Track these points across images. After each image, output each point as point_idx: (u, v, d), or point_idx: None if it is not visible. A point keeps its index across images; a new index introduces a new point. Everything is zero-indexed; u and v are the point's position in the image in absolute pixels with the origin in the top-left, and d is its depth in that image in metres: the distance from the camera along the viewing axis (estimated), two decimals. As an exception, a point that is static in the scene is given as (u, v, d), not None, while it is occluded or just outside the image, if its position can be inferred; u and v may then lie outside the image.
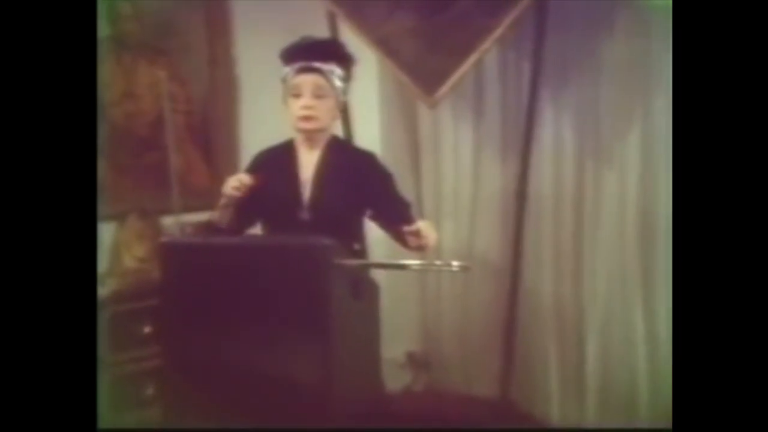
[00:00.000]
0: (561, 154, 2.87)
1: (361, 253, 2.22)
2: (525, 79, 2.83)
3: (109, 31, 2.86)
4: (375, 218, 2.25)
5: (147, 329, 2.61)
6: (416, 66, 2.63)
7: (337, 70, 2.16)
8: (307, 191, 2.17)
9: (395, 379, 3.02)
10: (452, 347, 3.22)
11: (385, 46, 2.65)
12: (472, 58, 2.56)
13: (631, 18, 2.60)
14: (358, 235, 2.24)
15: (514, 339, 2.95)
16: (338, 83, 2.17)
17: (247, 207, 2.14)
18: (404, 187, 2.45)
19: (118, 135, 2.87)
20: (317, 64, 2.13)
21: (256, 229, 2.28)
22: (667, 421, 1.44)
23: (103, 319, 2.42)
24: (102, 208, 1.81)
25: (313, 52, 2.14)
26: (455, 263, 1.93)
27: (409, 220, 2.09)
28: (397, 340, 3.01)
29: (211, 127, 3.18)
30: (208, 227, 2.26)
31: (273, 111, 2.31)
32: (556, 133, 2.87)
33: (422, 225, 2.03)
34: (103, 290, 2.59)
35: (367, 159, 2.28)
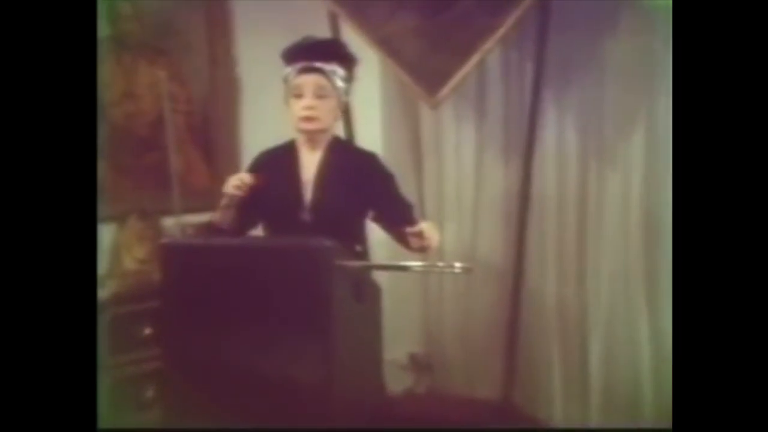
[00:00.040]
0: (564, 154, 2.86)
1: (363, 255, 2.21)
2: (528, 79, 2.83)
3: (109, 31, 2.85)
4: (377, 219, 2.24)
5: (147, 331, 2.60)
6: (418, 66, 2.62)
7: (338, 71, 2.15)
8: (308, 192, 2.16)
9: (397, 381, 3.01)
10: (455, 349, 3.21)
11: (387, 46, 2.65)
12: (475, 59, 2.55)
13: (635, 18, 2.59)
14: (359, 236, 2.23)
15: (517, 340, 2.94)
16: (340, 83, 2.16)
17: (249, 208, 2.13)
18: (406, 187, 2.44)
19: (118, 135, 2.86)
20: (319, 65, 2.12)
21: (258, 231, 2.27)
22: (671, 422, 1.43)
23: (103, 321, 2.40)
24: (102, 209, 1.80)
25: (315, 53, 2.14)
26: (457, 264, 1.93)
27: (411, 222, 2.09)
28: (399, 341, 3.00)
29: (211, 128, 3.17)
30: (209, 228, 2.25)
31: (274, 111, 2.30)
32: (559, 133, 2.86)
33: (425, 226, 2.03)
34: (104, 292, 2.58)
35: (368, 160, 2.27)
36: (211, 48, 3.14)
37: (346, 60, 2.20)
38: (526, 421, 2.94)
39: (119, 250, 2.83)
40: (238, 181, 2.08)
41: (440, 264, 2.08)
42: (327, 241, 1.85)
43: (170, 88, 2.59)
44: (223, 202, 2.14)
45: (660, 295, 2.65)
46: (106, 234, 2.77)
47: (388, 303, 2.20)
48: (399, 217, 2.14)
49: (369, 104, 3.07)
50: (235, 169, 2.52)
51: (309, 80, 2.12)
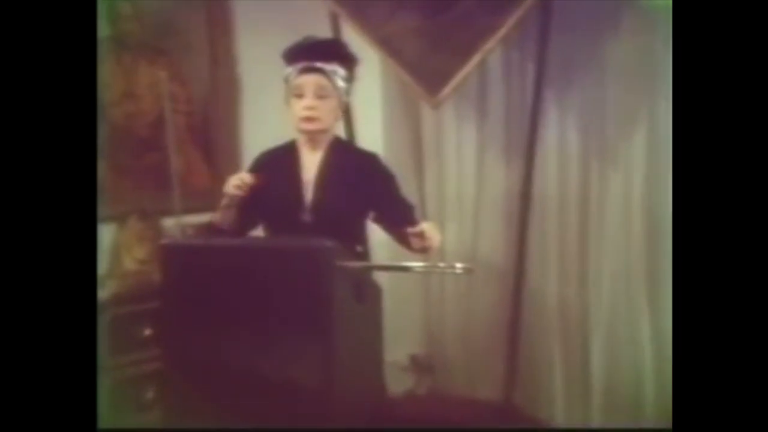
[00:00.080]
0: (565, 154, 2.86)
1: (364, 255, 2.21)
2: (529, 79, 2.83)
3: (109, 31, 2.85)
4: (378, 220, 2.23)
5: (147, 332, 2.60)
6: (419, 66, 2.62)
7: (339, 71, 2.15)
8: (309, 193, 2.16)
9: (398, 383, 3.00)
10: (456, 350, 3.20)
11: (387, 46, 2.64)
12: (476, 59, 2.55)
13: (636, 18, 2.58)
14: (360, 236, 2.23)
15: (518, 341, 2.94)
16: (341, 83, 2.15)
17: (249, 208, 2.13)
18: (407, 188, 2.44)
19: (119, 136, 2.86)
20: (320, 65, 2.12)
21: (258, 231, 2.26)
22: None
23: (103, 322, 2.40)
24: (102, 209, 1.79)
25: (316, 52, 2.13)
26: (459, 265, 1.93)
27: (412, 222, 2.08)
28: (399, 342, 2.99)
29: (212, 128, 3.17)
30: (210, 229, 2.25)
31: (274, 111, 2.30)
32: (560, 133, 2.86)
33: (426, 226, 2.02)
34: (103, 292, 2.58)
35: (369, 160, 2.26)
36: (212, 48, 3.14)
37: (347, 60, 2.19)
38: (527, 422, 2.94)
39: (119, 251, 2.83)
40: (238, 181, 2.08)
41: (441, 264, 2.07)
42: (328, 241, 1.85)
43: (170, 88, 2.59)
44: (224, 202, 2.13)
45: (661, 295, 2.64)
46: (106, 234, 2.76)
47: (389, 304, 2.20)
48: (400, 218, 2.14)
49: (370, 104, 3.07)
50: (235, 169, 2.51)
51: (310, 80, 2.12)
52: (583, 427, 2.86)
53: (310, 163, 2.19)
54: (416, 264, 2.00)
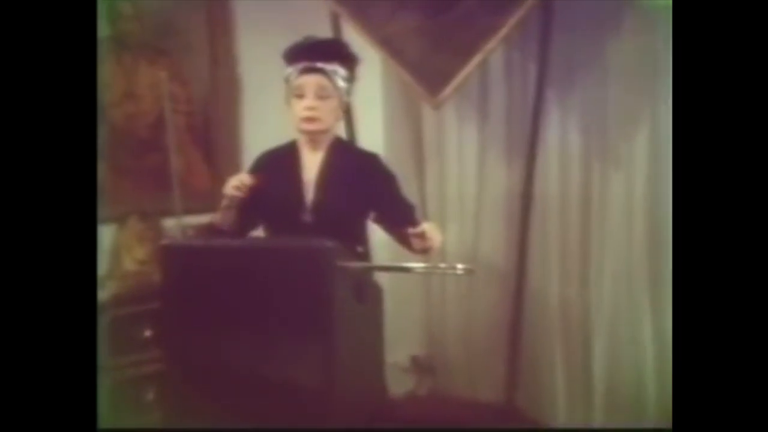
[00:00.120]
0: (567, 155, 2.85)
1: (365, 256, 2.20)
2: (530, 79, 2.83)
3: (110, 31, 2.85)
4: (379, 220, 2.23)
5: (148, 333, 2.60)
6: (420, 66, 2.61)
7: (340, 71, 2.14)
8: (310, 193, 2.15)
9: (399, 384, 3.00)
10: (457, 351, 3.20)
11: (388, 46, 2.64)
12: (477, 59, 2.54)
13: (638, 18, 2.58)
14: (361, 237, 2.22)
15: (520, 342, 2.93)
16: (342, 84, 2.15)
17: (249, 209, 2.12)
18: (408, 188, 2.43)
19: (119, 136, 2.86)
20: (320, 65, 2.11)
21: (259, 232, 2.25)
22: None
23: (103, 323, 2.40)
24: (102, 210, 1.79)
25: (317, 53, 2.13)
26: (460, 266, 1.92)
27: (413, 222, 2.08)
28: (400, 343, 2.99)
29: (212, 128, 3.17)
30: (210, 229, 2.25)
31: (275, 112, 2.29)
32: (561, 133, 2.85)
33: (427, 227, 2.02)
34: (104, 293, 2.58)
35: (370, 160, 2.26)
36: (212, 48, 3.13)
37: (348, 60, 2.19)
38: (528, 424, 2.93)
39: (119, 251, 2.83)
40: (237, 182, 2.08)
41: (442, 265, 2.07)
42: (328, 242, 1.84)
43: (171, 88, 2.58)
44: (224, 203, 2.13)
45: (663, 295, 2.64)
46: (106, 235, 2.76)
47: (389, 304, 2.19)
48: (401, 218, 2.13)
49: (371, 104, 3.07)
50: (236, 169, 2.51)
51: (310, 80, 2.11)
52: (585, 427, 2.85)
53: (311, 163, 2.19)
54: (417, 265, 2.00)
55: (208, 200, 2.45)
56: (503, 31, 2.51)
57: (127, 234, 2.83)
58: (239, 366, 1.86)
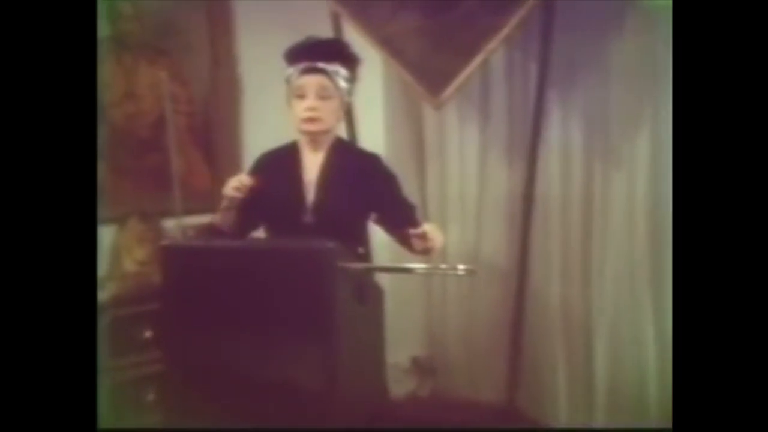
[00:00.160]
0: (568, 155, 2.86)
1: (366, 257, 2.20)
2: (532, 79, 2.83)
3: (110, 31, 2.84)
4: (379, 221, 2.22)
5: (148, 333, 2.59)
6: (421, 66, 2.61)
7: (341, 71, 2.14)
8: (310, 194, 2.15)
9: (400, 385, 3.00)
10: (458, 352, 3.20)
11: (389, 46, 2.64)
12: (478, 59, 2.54)
13: (639, 18, 2.58)
14: (362, 238, 2.22)
15: (521, 342, 2.93)
16: (343, 84, 2.14)
17: (250, 209, 2.12)
18: (409, 189, 2.43)
19: (119, 136, 2.85)
20: (321, 65, 2.11)
21: (259, 232, 2.25)
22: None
23: (103, 324, 2.40)
24: (102, 210, 1.79)
25: (318, 53, 2.12)
26: (461, 267, 1.91)
27: (414, 223, 2.07)
28: (401, 344, 2.99)
29: (212, 129, 3.16)
30: (210, 230, 2.24)
31: (276, 112, 2.29)
32: (563, 134, 2.85)
33: (428, 228, 2.01)
34: (103, 294, 2.58)
35: (371, 161, 2.25)
36: (213, 48, 3.13)
37: (349, 60, 2.18)
38: (530, 424, 2.93)
39: (119, 252, 2.82)
40: (237, 183, 2.07)
41: (443, 266, 2.06)
42: (329, 242, 1.84)
43: (171, 88, 2.58)
44: (224, 204, 2.12)
45: (665, 295, 2.64)
46: (106, 236, 2.76)
47: (390, 305, 2.18)
48: (402, 219, 2.13)
49: (372, 105, 3.07)
50: (236, 170, 2.50)
51: (311, 81, 2.10)
52: (587, 427, 2.85)
53: (312, 164, 2.18)
54: (418, 265, 2.00)
55: (209, 201, 2.45)
56: (504, 32, 2.50)
57: (127, 235, 2.82)
58: (239, 367, 1.86)
